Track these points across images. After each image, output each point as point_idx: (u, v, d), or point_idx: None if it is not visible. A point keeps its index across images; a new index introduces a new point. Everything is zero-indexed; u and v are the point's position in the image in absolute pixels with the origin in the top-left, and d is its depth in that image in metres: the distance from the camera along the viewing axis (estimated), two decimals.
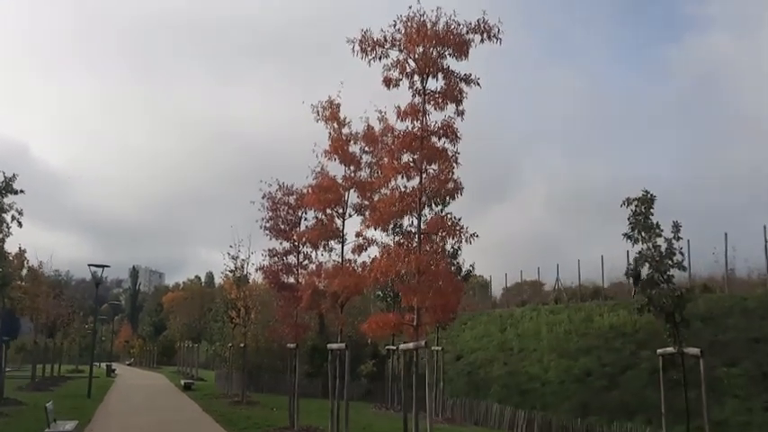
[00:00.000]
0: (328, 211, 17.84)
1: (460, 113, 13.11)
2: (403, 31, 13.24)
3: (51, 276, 51.27)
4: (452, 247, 13.73)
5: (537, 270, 45.13)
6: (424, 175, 12.97)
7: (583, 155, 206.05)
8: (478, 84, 12.96)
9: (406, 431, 15.93)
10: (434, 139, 13.03)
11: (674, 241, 15.91)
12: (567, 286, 41.22)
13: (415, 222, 13.14)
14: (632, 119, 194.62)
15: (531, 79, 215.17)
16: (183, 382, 44.65)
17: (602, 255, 36.50)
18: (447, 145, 12.98)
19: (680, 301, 15.25)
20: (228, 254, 32.89)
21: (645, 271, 16.14)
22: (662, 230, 16.12)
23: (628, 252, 35.14)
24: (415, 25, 13.09)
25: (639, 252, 16.09)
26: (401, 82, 13.35)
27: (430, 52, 13.01)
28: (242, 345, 34.11)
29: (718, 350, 23.23)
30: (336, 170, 17.97)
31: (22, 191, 24.82)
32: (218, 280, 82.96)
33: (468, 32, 13.05)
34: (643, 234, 16.21)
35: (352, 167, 17.48)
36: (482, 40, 12.91)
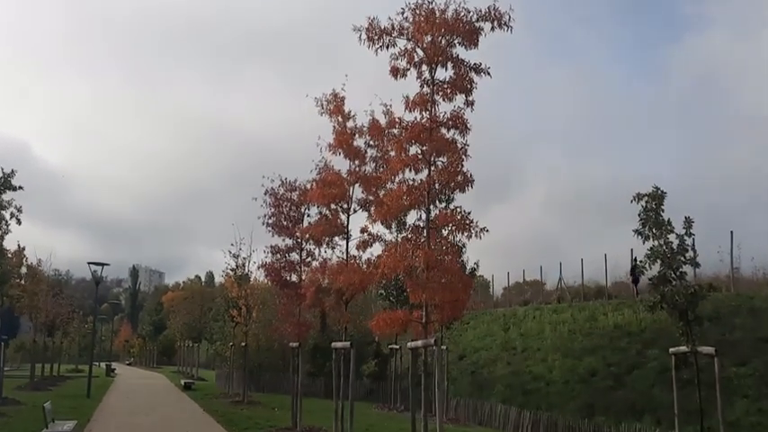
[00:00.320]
0: (332, 206, 17.48)
1: (470, 104, 12.75)
2: (411, 20, 12.90)
3: (51, 276, 50.96)
4: (457, 244, 13.34)
5: (540, 269, 44.81)
6: (432, 168, 12.61)
7: (583, 154, 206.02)
8: (489, 73, 12.61)
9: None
10: (443, 130, 12.68)
11: (685, 238, 15.54)
12: (570, 285, 41.00)
13: (423, 217, 12.79)
14: (632, 119, 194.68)
15: (530, 79, 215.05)
16: (183, 381, 44.34)
17: (605, 254, 36.36)
18: (456, 136, 12.63)
19: (693, 299, 14.90)
20: (229, 252, 32.57)
21: (657, 268, 15.76)
22: (673, 227, 15.77)
23: (632, 250, 35.29)
24: (423, 13, 12.74)
25: (651, 248, 15.72)
26: (409, 72, 13.00)
27: (439, 41, 12.66)
28: (243, 344, 33.74)
29: (727, 350, 22.86)
30: (340, 165, 17.64)
31: (20, 187, 24.50)
32: (218, 279, 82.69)
33: (478, 20, 12.69)
34: (654, 230, 15.84)
35: (356, 162, 17.12)
36: (492, 28, 12.54)
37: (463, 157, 12.52)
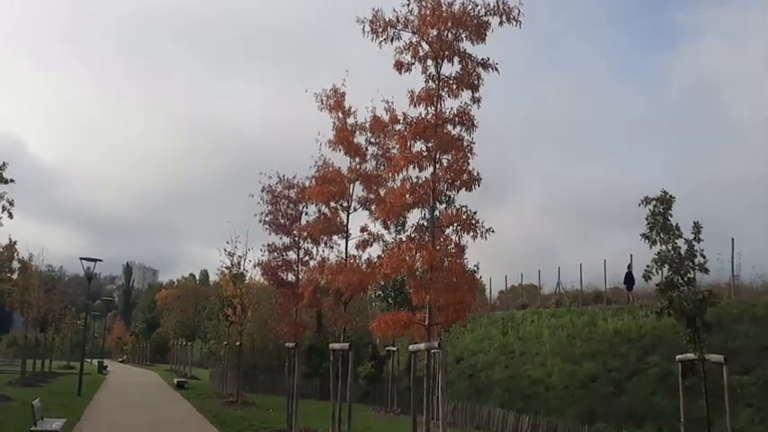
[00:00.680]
0: (332, 204, 17.04)
1: (477, 101, 12.32)
2: (416, 12, 12.48)
3: (45, 271, 50.47)
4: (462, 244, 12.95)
5: (538, 273, 44.44)
6: (437, 166, 12.18)
7: (578, 160, 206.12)
8: (497, 69, 12.18)
9: None
10: (449, 127, 12.26)
11: (694, 243, 15.14)
12: (567, 290, 40.73)
13: (424, 216, 12.37)
14: (627, 125, 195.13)
15: (526, 83, 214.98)
16: (176, 380, 43.96)
17: (604, 259, 36.11)
18: (463, 133, 12.21)
19: (701, 305, 14.50)
20: (225, 250, 32.15)
21: (663, 273, 15.36)
22: (681, 232, 15.37)
23: (631, 256, 35.09)
24: (429, 5, 12.30)
25: (658, 253, 15.31)
26: (413, 66, 12.58)
27: (445, 35, 12.23)
28: (237, 343, 33.29)
29: (729, 357, 22.30)
30: (340, 162, 17.22)
31: (12, 180, 24.06)
32: (212, 278, 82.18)
33: (486, 14, 12.26)
34: (661, 235, 15.44)
35: (357, 159, 16.70)
36: (501, 23, 12.10)
37: (469, 154, 12.10)
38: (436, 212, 12.56)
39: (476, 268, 29.70)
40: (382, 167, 16.14)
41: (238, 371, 33.67)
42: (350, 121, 16.86)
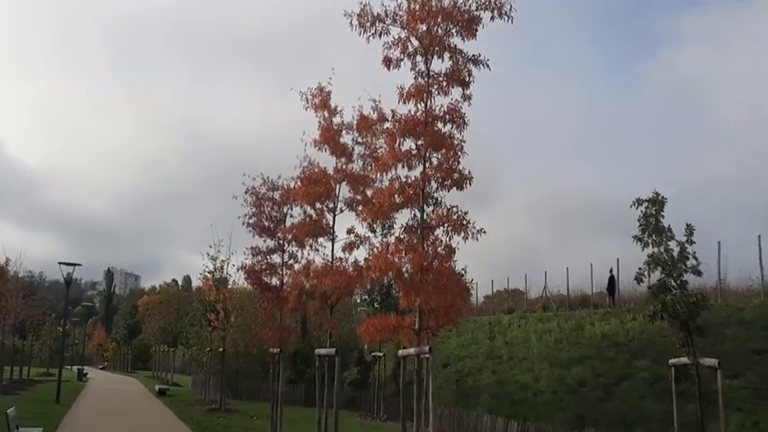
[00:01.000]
0: (318, 205, 16.61)
1: (467, 98, 11.96)
2: (405, 6, 12.12)
3: (24, 277, 49.59)
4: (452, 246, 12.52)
5: (524, 277, 44.24)
6: (427, 165, 11.81)
7: (563, 164, 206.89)
8: (488, 65, 11.84)
9: None
10: (439, 124, 11.89)
11: (686, 245, 14.87)
12: (554, 294, 40.60)
13: (414, 216, 11.98)
14: (611, 130, 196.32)
15: (510, 88, 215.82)
16: (157, 387, 43.35)
17: (591, 263, 35.98)
18: (453, 131, 11.84)
19: (695, 308, 14.22)
20: (207, 254, 31.58)
21: (657, 275, 15.07)
22: (674, 234, 15.10)
23: (618, 260, 34.99)
24: None
25: (650, 255, 15.03)
26: (402, 62, 12.20)
27: (435, 30, 11.87)
28: (220, 349, 32.72)
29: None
30: (326, 163, 16.81)
31: None
32: (195, 283, 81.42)
33: (477, 8, 11.91)
34: (654, 237, 15.16)
35: (343, 159, 16.30)
36: (492, 18, 11.76)
37: (459, 153, 11.73)
38: (426, 213, 12.22)
39: (463, 271, 29.38)
40: (369, 168, 15.76)
41: (221, 377, 33.08)
42: (336, 120, 16.48)
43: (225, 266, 31.34)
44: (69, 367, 70.03)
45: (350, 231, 15.78)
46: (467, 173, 11.62)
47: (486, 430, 24.29)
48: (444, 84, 11.97)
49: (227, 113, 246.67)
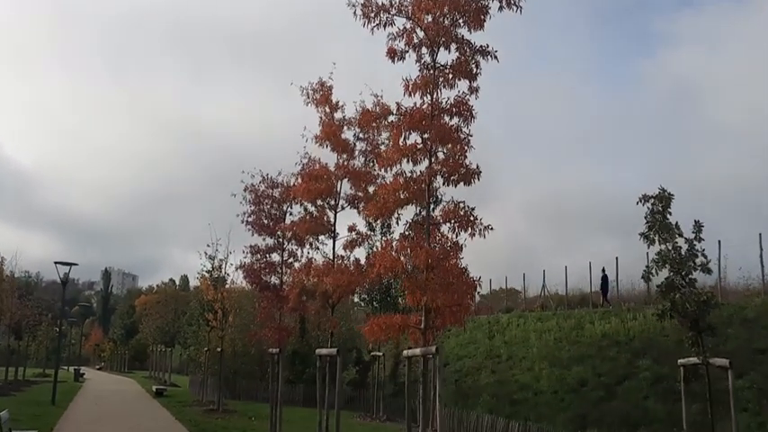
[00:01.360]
0: (319, 202, 16.32)
1: (474, 90, 11.66)
2: None
3: (20, 277, 49.24)
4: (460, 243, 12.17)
5: (522, 276, 44.00)
6: (433, 159, 11.51)
7: (558, 163, 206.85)
8: (496, 57, 11.54)
9: None
10: (446, 117, 11.58)
11: (695, 242, 14.60)
12: (552, 293, 40.41)
13: (420, 212, 11.68)
14: (609, 130, 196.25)
15: (509, 88, 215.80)
16: (154, 387, 42.97)
17: (590, 261, 35.77)
18: (461, 124, 11.53)
19: (705, 307, 13.95)
20: (205, 253, 31.27)
21: (665, 273, 14.79)
22: (681, 231, 14.83)
23: (617, 258, 34.80)
24: None
25: (658, 253, 14.76)
26: (407, 54, 11.90)
27: (441, 20, 11.56)
28: (219, 349, 32.39)
29: None
30: (327, 159, 16.51)
31: None
32: (192, 283, 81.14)
33: None
34: (661, 234, 14.88)
35: (345, 155, 16.00)
36: (500, 8, 11.46)
37: (466, 147, 11.43)
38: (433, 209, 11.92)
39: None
40: (371, 164, 15.49)
41: (219, 378, 32.76)
42: (337, 115, 16.20)
43: (223, 266, 31.07)
44: (66, 368, 69.66)
45: (351, 229, 15.51)
46: (475, 167, 11.32)
47: (486, 430, 24.02)
48: (450, 76, 11.67)
49: (225, 113, 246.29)
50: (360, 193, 15.90)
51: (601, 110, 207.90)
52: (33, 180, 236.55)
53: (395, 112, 11.92)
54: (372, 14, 11.78)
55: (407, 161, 11.59)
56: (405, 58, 11.91)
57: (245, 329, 34.24)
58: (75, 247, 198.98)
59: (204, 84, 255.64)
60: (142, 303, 74.46)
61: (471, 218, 11.15)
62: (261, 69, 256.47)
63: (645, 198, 15.26)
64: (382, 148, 14.16)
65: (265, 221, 20.03)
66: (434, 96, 11.57)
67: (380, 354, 30.91)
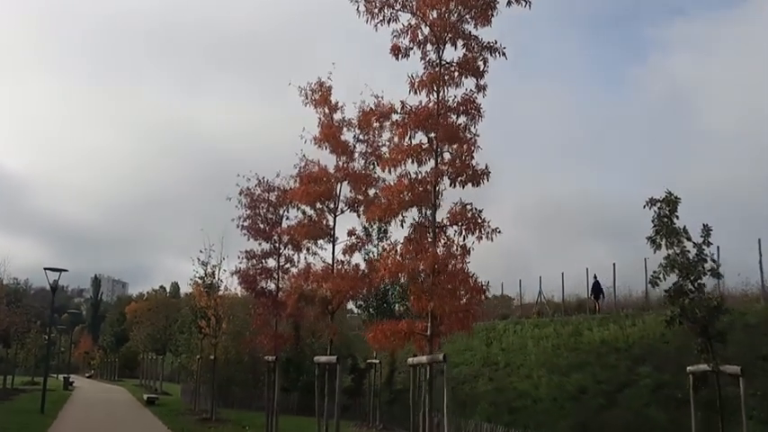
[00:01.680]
0: (318, 205, 15.90)
1: (482, 89, 11.29)
2: None
3: (9, 284, 48.59)
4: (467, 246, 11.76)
5: (519, 283, 43.61)
6: (438, 159, 11.12)
7: (553, 169, 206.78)
8: (504, 54, 11.17)
9: None
10: (453, 116, 11.19)
11: (704, 247, 14.24)
12: (548, 299, 40.14)
13: (425, 214, 11.28)
14: (601, 136, 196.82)
15: (502, 93, 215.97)
16: (145, 396, 42.43)
17: (587, 267, 35.52)
18: (468, 123, 11.14)
19: (715, 313, 13.59)
20: (198, 259, 30.75)
21: (673, 278, 14.42)
22: (689, 235, 14.48)
23: (614, 264, 34.52)
24: None
25: (666, 257, 14.39)
26: (412, 51, 11.52)
27: (447, 16, 11.19)
28: (212, 357, 31.85)
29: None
30: (326, 161, 16.10)
31: None
32: (184, 290, 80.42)
33: None
34: (668, 238, 14.53)
35: (344, 157, 15.61)
36: (508, 3, 11.10)
37: (473, 147, 11.04)
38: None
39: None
40: (371, 166, 15.10)
41: (212, 386, 32.20)
42: (337, 116, 15.81)
43: (216, 271, 30.55)
44: (55, 376, 68.95)
45: (351, 233, 15.12)
46: (484, 167, 10.93)
47: None
48: (456, 74, 11.29)
49: (216, 116, 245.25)
50: (360, 197, 15.52)
51: (595, 115, 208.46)
52: (22, 185, 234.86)
53: (399, 110, 11.53)
54: (376, 10, 11.43)
55: (412, 162, 11.20)
56: (409, 56, 11.55)
57: (239, 337, 33.69)
58: (64, 253, 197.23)
59: (193, 87, 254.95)
60: (132, 311, 73.53)
61: (479, 220, 10.76)
62: (251, 72, 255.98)
63: (651, 201, 14.91)
64: (383, 150, 13.77)
65: (261, 226, 19.62)
66: (441, 94, 11.19)
67: (377, 361, 30.45)
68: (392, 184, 11.51)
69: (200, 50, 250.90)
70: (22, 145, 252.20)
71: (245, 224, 19.85)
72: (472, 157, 10.98)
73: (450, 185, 11.09)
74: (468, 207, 10.99)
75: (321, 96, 15.86)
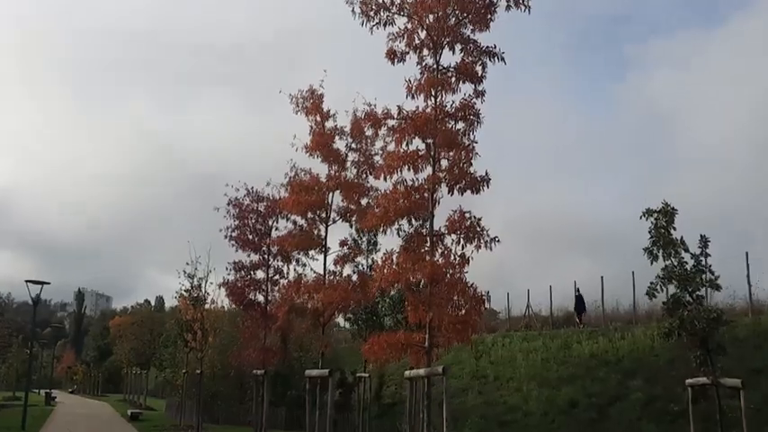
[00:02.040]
0: (309, 214, 15.59)
1: (480, 94, 11.05)
2: None
3: None
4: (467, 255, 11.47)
5: (507, 296, 43.31)
6: (436, 166, 10.85)
7: (538, 185, 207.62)
8: (503, 59, 10.94)
9: None
10: (451, 122, 10.94)
11: (701, 258, 14.09)
12: (536, 312, 39.89)
13: (422, 222, 11.00)
14: (584, 152, 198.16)
15: (488, 109, 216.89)
16: (129, 411, 41.69)
17: (575, 281, 35.31)
18: (467, 129, 10.88)
19: (714, 325, 13.40)
20: (184, 272, 30.21)
21: (671, 289, 14.25)
22: (687, 246, 14.33)
23: (602, 278, 34.38)
24: None
25: (664, 269, 14.21)
26: (408, 56, 11.28)
27: (445, 20, 10.95)
28: (197, 371, 31.26)
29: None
30: (317, 170, 15.79)
31: None
32: (169, 304, 79.61)
33: None
34: (665, 249, 14.36)
35: (336, 166, 15.32)
36: (508, 7, 10.89)
37: (471, 154, 10.79)
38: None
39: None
40: (364, 176, 14.82)
41: (199, 401, 31.62)
42: (329, 124, 15.53)
43: (203, 284, 30.03)
44: (37, 391, 67.83)
45: (343, 243, 14.81)
46: (484, 174, 10.67)
47: None
48: (453, 80, 11.04)
49: (201, 132, 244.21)
50: (352, 206, 15.22)
51: (578, 132, 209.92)
52: (2, 197, 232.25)
53: (396, 115, 11.25)
54: (372, 12, 11.21)
55: (408, 169, 10.92)
56: (405, 61, 11.31)
57: (225, 350, 33.14)
58: (47, 266, 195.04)
59: (177, 99, 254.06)
60: (116, 325, 72.58)
61: (478, 228, 10.49)
62: (235, 85, 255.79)
63: (648, 212, 14.82)
64: (376, 159, 13.50)
65: (250, 236, 19.29)
66: (438, 99, 10.93)
67: (366, 375, 30.03)
68: (387, 192, 11.23)
69: (184, 64, 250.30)
70: (3, 159, 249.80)
71: (234, 235, 19.51)
72: (470, 164, 10.74)
73: (448, 193, 10.85)
74: (468, 215, 10.72)
75: (313, 104, 15.60)
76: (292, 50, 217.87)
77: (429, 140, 10.92)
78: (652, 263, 14.79)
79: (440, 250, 10.82)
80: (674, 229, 14.59)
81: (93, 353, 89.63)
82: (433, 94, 10.96)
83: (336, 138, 15.50)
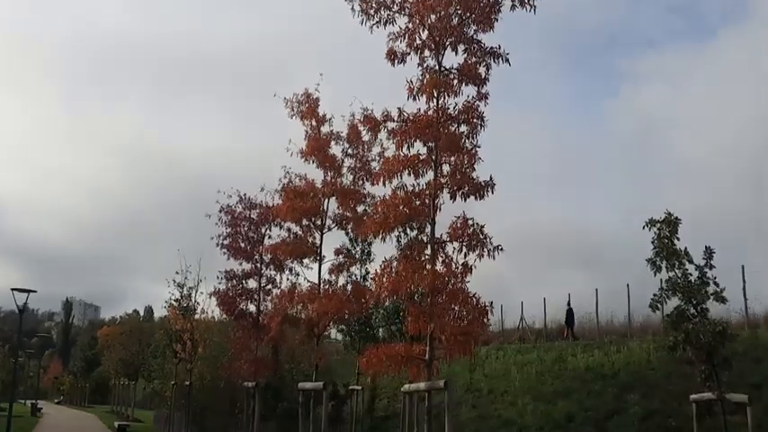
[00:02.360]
0: (304, 221, 15.16)
1: (484, 97, 10.67)
2: None
3: None
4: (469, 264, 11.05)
5: (500, 308, 42.89)
6: (437, 171, 10.45)
7: (530, 198, 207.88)
8: (508, 60, 10.58)
9: None
10: (453, 125, 10.55)
11: (706, 269, 13.73)
12: (529, 325, 39.55)
13: (423, 229, 10.60)
14: (579, 165, 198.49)
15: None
16: (116, 423, 41.18)
17: (569, 293, 35.00)
18: (471, 132, 10.49)
19: (720, 338, 13.02)
20: (174, 281, 29.67)
21: (674, 302, 13.88)
22: (691, 257, 13.97)
23: (597, 290, 34.10)
24: None
25: (667, 280, 13.85)
26: (408, 57, 10.90)
27: (448, 19, 10.59)
28: (186, 383, 30.67)
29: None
30: (313, 176, 15.38)
31: None
32: (158, 314, 78.87)
33: None
34: (668, 260, 14.00)
35: (332, 172, 14.91)
36: (513, 7, 10.53)
37: (474, 159, 10.39)
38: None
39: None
40: (360, 182, 14.41)
41: (188, 413, 30.99)
42: (324, 129, 15.13)
43: (193, 294, 29.50)
44: (22, 402, 66.95)
45: (339, 252, 14.39)
46: (489, 179, 10.26)
47: None
48: (456, 81, 10.65)
49: (190, 139, 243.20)
50: (348, 213, 14.81)
51: (570, 145, 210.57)
52: None
53: (396, 118, 10.85)
54: (372, 11, 10.84)
55: (409, 173, 10.51)
56: (405, 61, 10.92)
57: (215, 362, 32.59)
58: (34, 276, 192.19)
59: (165, 109, 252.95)
60: (104, 335, 71.84)
61: (481, 236, 10.08)
62: (224, 93, 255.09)
63: (651, 222, 14.45)
64: (373, 165, 13.11)
65: (242, 245, 18.83)
66: (441, 101, 10.54)
67: (359, 387, 29.52)
68: (387, 197, 10.81)
69: (175, 72, 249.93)
70: None
71: (226, 243, 19.04)
72: (473, 169, 10.34)
73: (451, 199, 10.43)
74: (470, 222, 10.31)
75: (308, 108, 15.21)
76: (284, 56, 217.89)
77: (431, 144, 10.52)
78: (655, 274, 14.44)
79: (441, 258, 10.40)
80: (678, 239, 14.24)
81: (81, 363, 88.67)
82: (435, 95, 10.57)
83: (332, 143, 15.11)
